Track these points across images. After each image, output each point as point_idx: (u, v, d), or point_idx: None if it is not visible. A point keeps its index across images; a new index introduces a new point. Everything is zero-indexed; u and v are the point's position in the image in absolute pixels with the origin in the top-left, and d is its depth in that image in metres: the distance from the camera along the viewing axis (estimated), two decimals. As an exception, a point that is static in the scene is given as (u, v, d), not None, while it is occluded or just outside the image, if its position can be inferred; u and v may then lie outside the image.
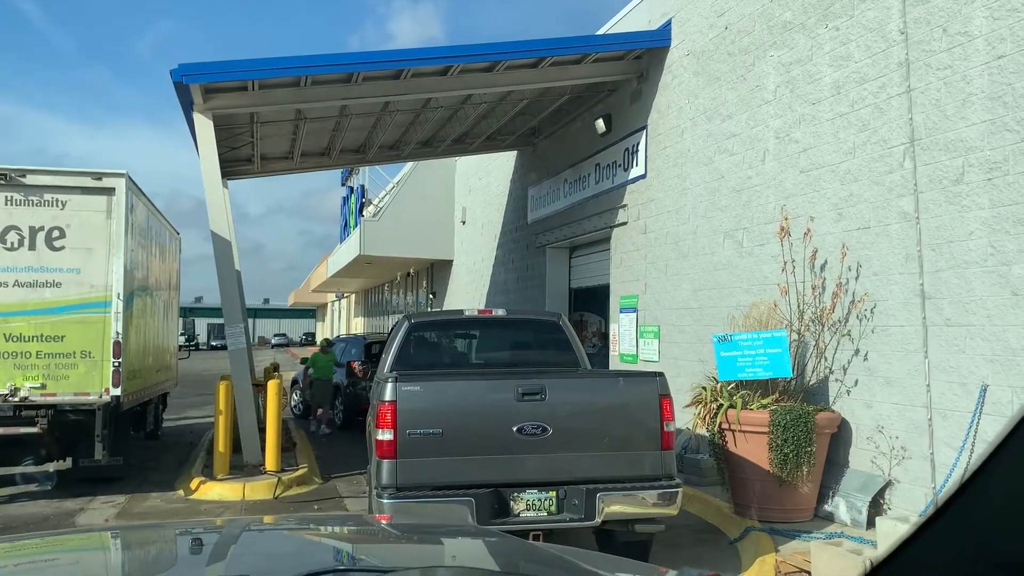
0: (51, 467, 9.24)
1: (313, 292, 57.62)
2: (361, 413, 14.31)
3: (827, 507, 7.52)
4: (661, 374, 6.19)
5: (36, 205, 9.06)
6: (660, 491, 5.96)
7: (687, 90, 10.59)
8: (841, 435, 7.57)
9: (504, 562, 2.25)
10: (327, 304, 67.64)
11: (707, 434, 7.92)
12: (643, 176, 11.61)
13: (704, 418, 7.83)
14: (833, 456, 7.56)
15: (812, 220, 8.01)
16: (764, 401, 7.58)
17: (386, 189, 27.75)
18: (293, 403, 18.60)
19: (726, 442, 7.58)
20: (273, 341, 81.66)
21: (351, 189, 29.11)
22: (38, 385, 8.90)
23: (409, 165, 23.26)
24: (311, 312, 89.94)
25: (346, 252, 27.32)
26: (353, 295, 49.61)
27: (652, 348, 11.19)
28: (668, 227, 10.90)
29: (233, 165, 15.48)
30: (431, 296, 25.80)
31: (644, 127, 11.65)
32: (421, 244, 23.54)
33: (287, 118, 13.17)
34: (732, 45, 9.60)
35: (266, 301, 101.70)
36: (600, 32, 13.32)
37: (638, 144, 11.80)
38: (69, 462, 9.92)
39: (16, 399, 8.80)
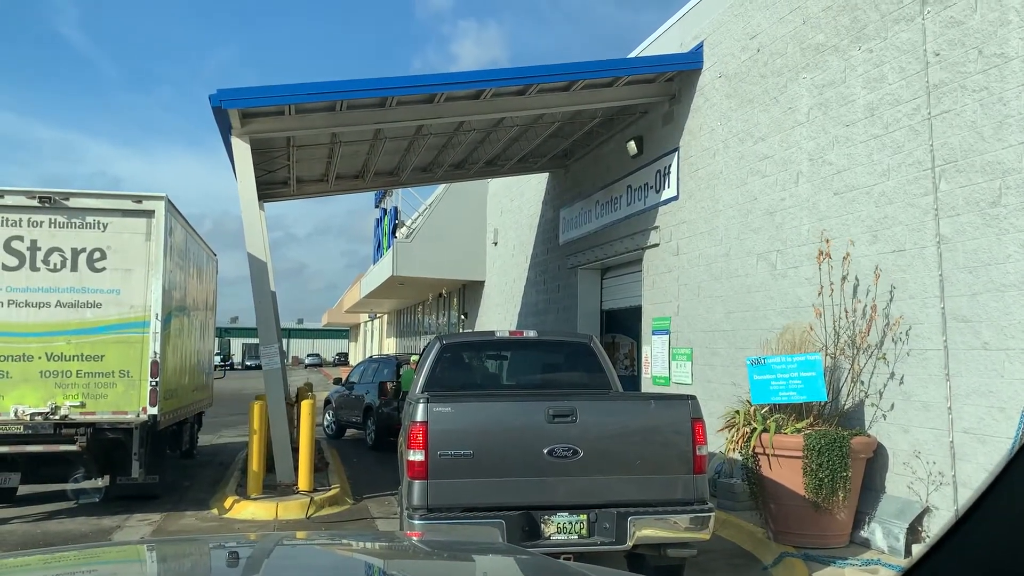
0: (99, 482, 9.38)
1: (346, 312, 58.06)
2: (393, 433, 14.39)
3: (863, 533, 7.40)
4: (693, 397, 6.16)
5: (79, 227, 9.28)
6: (692, 515, 5.91)
7: (719, 112, 10.59)
8: (877, 460, 7.46)
9: None
10: (360, 324, 68.08)
11: (740, 458, 7.85)
12: (675, 198, 11.60)
13: (737, 442, 7.76)
14: (869, 481, 7.45)
15: (848, 243, 7.95)
16: (798, 425, 7.50)
17: (419, 211, 27.97)
18: (326, 423, 18.73)
19: (760, 466, 7.50)
20: (307, 361, 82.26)
21: (384, 211, 29.34)
22: (78, 403, 9.07)
23: (442, 187, 23.45)
24: (344, 332, 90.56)
25: (379, 273, 27.54)
26: (385, 316, 49.92)
27: (685, 371, 11.13)
28: (701, 249, 10.87)
29: (270, 188, 15.73)
30: (463, 317, 25.89)
31: (676, 149, 11.65)
32: (453, 265, 23.67)
33: (322, 141, 13.37)
34: (764, 67, 9.60)
35: (300, 321, 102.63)
36: (632, 55, 13.38)
37: (670, 166, 11.80)
38: (107, 480, 10.09)
39: (56, 417, 8.97)
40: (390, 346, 45.73)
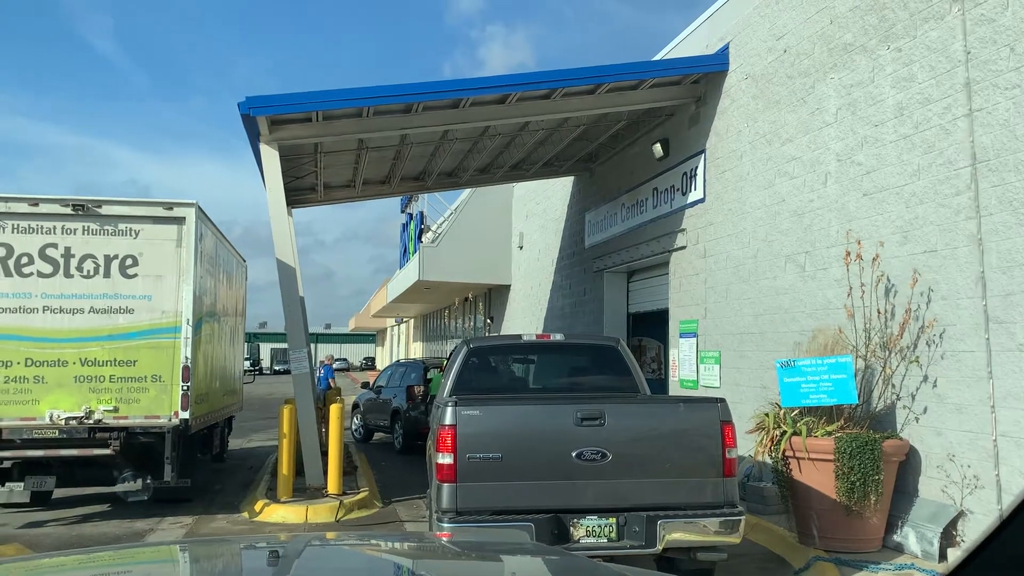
0: (147, 481, 9.48)
1: (373, 317, 58.33)
2: (421, 437, 14.44)
3: (896, 537, 7.31)
4: (723, 400, 6.13)
5: (111, 234, 9.42)
6: (722, 519, 5.88)
7: (746, 114, 10.53)
8: (910, 463, 7.37)
9: None
10: (387, 329, 68.38)
11: (770, 461, 7.79)
12: (702, 200, 11.55)
13: (767, 445, 7.71)
14: (901, 485, 7.36)
15: (878, 244, 7.87)
16: (829, 428, 7.43)
17: (444, 215, 28.09)
18: (354, 427, 18.83)
19: (790, 470, 7.44)
20: (334, 366, 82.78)
21: (410, 216, 29.51)
22: (111, 408, 9.20)
23: (467, 192, 23.53)
24: (371, 337, 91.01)
25: (405, 278, 27.67)
26: (412, 320, 50.10)
27: (713, 374, 11.06)
28: (728, 251, 10.81)
29: (298, 194, 15.88)
30: (489, 321, 25.93)
31: (702, 151, 11.60)
32: (479, 269, 23.72)
33: (349, 148, 13.47)
34: (791, 68, 9.53)
35: (327, 326, 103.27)
36: (657, 57, 13.35)
37: (696, 168, 11.75)
38: (139, 483, 10.22)
39: (90, 422, 9.10)
40: (416, 350, 45.90)
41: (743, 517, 5.95)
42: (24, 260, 9.18)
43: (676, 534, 5.82)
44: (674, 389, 12.32)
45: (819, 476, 7.20)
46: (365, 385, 19.83)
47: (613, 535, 5.84)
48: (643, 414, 6.38)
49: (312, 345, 15.75)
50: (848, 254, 8.00)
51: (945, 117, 7.16)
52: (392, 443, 16.94)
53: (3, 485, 9.48)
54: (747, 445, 8.26)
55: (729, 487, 6.00)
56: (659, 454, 5.96)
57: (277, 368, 71.08)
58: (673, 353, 12.45)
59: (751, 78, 10.46)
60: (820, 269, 8.83)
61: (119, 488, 9.43)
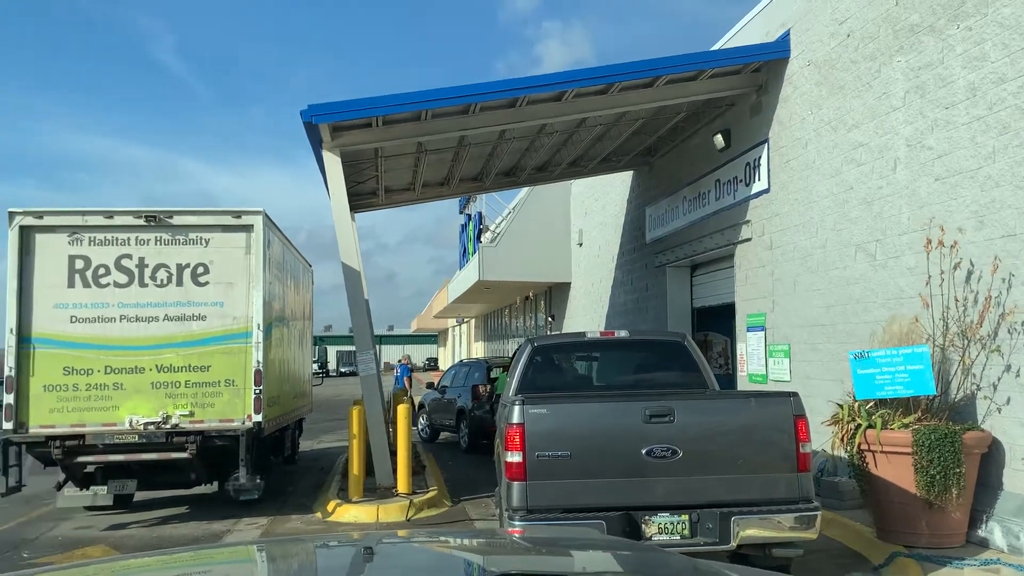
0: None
1: (435, 318, 58.87)
2: (486, 436, 14.51)
3: (980, 532, 7.07)
4: (795, 393, 6.02)
5: (182, 244, 9.68)
6: (798, 514, 5.78)
7: (809, 101, 10.31)
8: (992, 456, 7.12)
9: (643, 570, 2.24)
10: (448, 329, 68.92)
11: (845, 455, 7.62)
12: (766, 190, 11.35)
13: (842, 439, 7.54)
14: (984, 478, 7.12)
15: (955, 231, 7.62)
16: (906, 420, 7.23)
17: (503, 215, 28.16)
18: (420, 426, 19.02)
19: (867, 464, 7.26)
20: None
21: (469, 216, 29.69)
22: (187, 413, 9.45)
23: (525, 190, 23.53)
24: (434, 337, 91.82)
25: (465, 278, 27.83)
26: (473, 320, 50.38)
27: (783, 367, 10.86)
28: (795, 242, 10.60)
29: (360, 198, 16.10)
30: (550, 319, 25.91)
31: (765, 140, 11.40)
32: (538, 268, 23.70)
33: (409, 151, 13.60)
34: (855, 52, 9.30)
35: (391, 328, 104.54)
36: (716, 47, 13.16)
37: (760, 158, 11.55)
38: (215, 486, 10.51)
39: (168, 426, 9.37)
40: (478, 350, 46.14)
41: (819, 512, 5.84)
42: (101, 271, 9.49)
43: (751, 530, 5.74)
44: (742, 384, 12.13)
45: (897, 470, 7.01)
46: (429, 385, 20.02)
47: (686, 532, 5.79)
48: (713, 410, 6.30)
49: (377, 347, 15.92)
50: (929, 242, 7.73)
51: (1020, 97, 6.90)
52: (458, 442, 17.06)
53: (88, 489, 9.85)
54: (820, 439, 8.10)
55: (804, 482, 5.89)
56: (731, 450, 5.88)
57: (343, 370, 72.20)
58: (741, 347, 12.26)
59: (814, 64, 10.23)
60: (892, 257, 8.59)
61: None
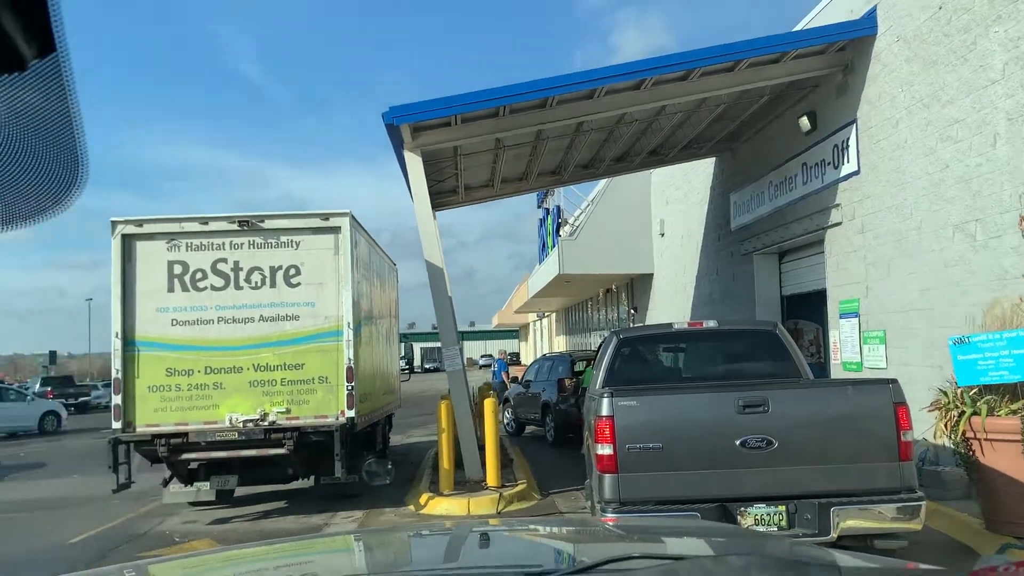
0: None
1: (515, 313, 59.08)
2: (572, 429, 14.52)
3: (1100, 523, 6.72)
4: (895, 380, 5.85)
5: (274, 247, 9.99)
6: (900, 504, 5.62)
7: (900, 78, 9.95)
8: (1111, 442, 6.74)
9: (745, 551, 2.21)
10: (529, 324, 69.10)
11: (949, 444, 7.34)
12: (856, 172, 11.00)
13: (945, 426, 7.27)
14: (1103, 466, 6.75)
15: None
16: (1014, 407, 6.92)
17: (581, 207, 28.04)
18: (505, 420, 19.16)
19: (972, 452, 6.99)
20: (480, 362, 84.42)
21: (547, 210, 29.67)
22: (283, 410, 9.75)
23: (603, 182, 23.38)
24: (515, 332, 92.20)
25: (545, 272, 27.85)
26: (553, 314, 50.39)
27: (878, 354, 10.53)
28: (888, 224, 10.25)
29: (440, 197, 16.29)
30: (632, 312, 25.71)
31: (853, 121, 11.05)
32: (619, 259, 23.53)
33: (487, 148, 13.70)
34: (948, 25, 8.92)
35: (472, 324, 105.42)
36: (798, 28, 12.82)
37: (848, 139, 11.20)
38: (312, 480, 10.81)
39: (266, 423, 9.69)
40: (559, 344, 46.13)
41: (923, 502, 5.66)
42: (199, 275, 9.87)
43: (851, 521, 5.60)
44: (836, 372, 11.80)
45: (1005, 458, 6.73)
46: (514, 380, 20.14)
47: (784, 523, 5.69)
48: (809, 399, 6.17)
49: (461, 342, 16.11)
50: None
51: None
52: (544, 436, 17.12)
53: (192, 485, 10.28)
54: (919, 428, 7.82)
55: (906, 471, 5.72)
56: (829, 439, 5.75)
57: (427, 366, 73.27)
58: (833, 335, 11.93)
59: (903, 40, 9.86)
60: (993, 237, 8.23)
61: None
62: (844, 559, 1.94)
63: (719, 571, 1.47)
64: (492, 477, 10.56)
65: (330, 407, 9.75)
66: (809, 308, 13.75)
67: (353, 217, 10.15)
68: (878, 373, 10.26)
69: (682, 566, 1.61)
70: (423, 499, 10.22)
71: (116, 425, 9.59)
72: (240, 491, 11.07)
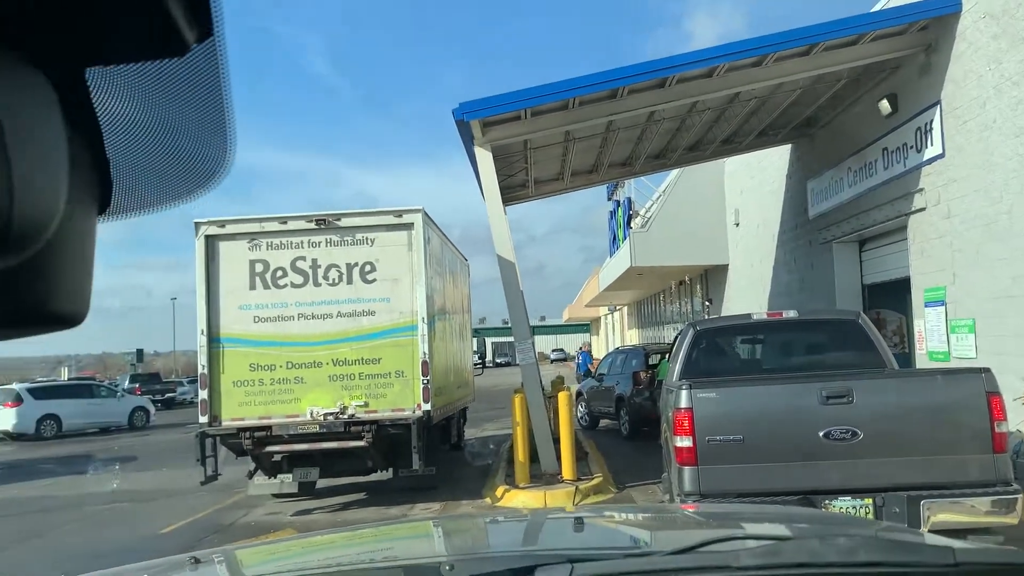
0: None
1: (586, 307, 58.83)
2: (647, 423, 14.40)
3: None
4: (987, 369, 5.63)
5: (350, 244, 10.17)
6: (995, 498, 5.41)
7: (987, 56, 9.54)
8: None
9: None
10: (600, 318, 68.76)
11: (1046, 436, 7.03)
12: (940, 155, 10.61)
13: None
14: None
15: None
16: (1118, 397, 6.58)
17: (652, 199, 27.73)
18: (579, 414, 19.10)
19: (1072, 444, 6.67)
20: (552, 356, 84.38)
21: (617, 203, 29.41)
22: (362, 403, 9.94)
23: (674, 173, 23.06)
24: (586, 326, 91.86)
25: (616, 265, 27.64)
26: (625, 307, 50.03)
27: (967, 344, 10.14)
28: (975, 209, 9.86)
29: (510, 191, 16.33)
30: (707, 303, 25.34)
31: (937, 102, 10.65)
32: (693, 251, 23.17)
33: (557, 141, 13.67)
34: (1040, -3, 8.52)
35: (542, 318, 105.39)
36: (876, 8, 12.41)
37: (931, 121, 10.81)
38: (390, 472, 10.98)
39: (345, 416, 9.89)
40: (632, 337, 45.76)
41: (1020, 495, 5.43)
42: (279, 273, 10.12)
43: (942, 515, 5.42)
44: (922, 363, 11.42)
45: (1109, 451, 6.40)
46: (588, 373, 20.08)
47: (870, 516, 5.53)
48: (896, 389, 5.98)
49: (532, 336, 16.12)
50: None
51: None
52: (618, 429, 17.02)
53: (275, 477, 10.56)
54: (1014, 419, 7.50)
55: (1001, 463, 5.51)
56: (917, 430, 5.57)
57: (498, 361, 73.60)
58: (918, 324, 11.54)
59: (990, 16, 9.46)
60: (1092, 219, 7.83)
61: (374, 477, 10.19)
62: (956, 542, 1.88)
63: (826, 551, 1.44)
64: (568, 470, 10.55)
65: (407, 400, 9.89)
66: (892, 297, 13.33)
67: (425, 213, 10.26)
68: (968, 363, 9.88)
69: (787, 546, 1.58)
70: (499, 491, 10.29)
71: (203, 419, 9.92)
72: (321, 484, 11.31)
